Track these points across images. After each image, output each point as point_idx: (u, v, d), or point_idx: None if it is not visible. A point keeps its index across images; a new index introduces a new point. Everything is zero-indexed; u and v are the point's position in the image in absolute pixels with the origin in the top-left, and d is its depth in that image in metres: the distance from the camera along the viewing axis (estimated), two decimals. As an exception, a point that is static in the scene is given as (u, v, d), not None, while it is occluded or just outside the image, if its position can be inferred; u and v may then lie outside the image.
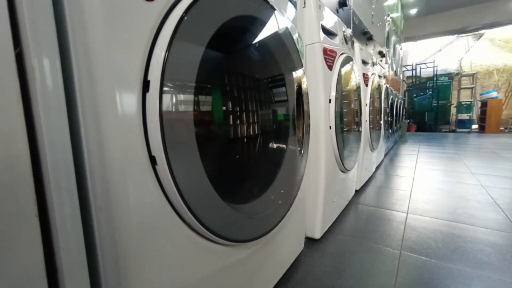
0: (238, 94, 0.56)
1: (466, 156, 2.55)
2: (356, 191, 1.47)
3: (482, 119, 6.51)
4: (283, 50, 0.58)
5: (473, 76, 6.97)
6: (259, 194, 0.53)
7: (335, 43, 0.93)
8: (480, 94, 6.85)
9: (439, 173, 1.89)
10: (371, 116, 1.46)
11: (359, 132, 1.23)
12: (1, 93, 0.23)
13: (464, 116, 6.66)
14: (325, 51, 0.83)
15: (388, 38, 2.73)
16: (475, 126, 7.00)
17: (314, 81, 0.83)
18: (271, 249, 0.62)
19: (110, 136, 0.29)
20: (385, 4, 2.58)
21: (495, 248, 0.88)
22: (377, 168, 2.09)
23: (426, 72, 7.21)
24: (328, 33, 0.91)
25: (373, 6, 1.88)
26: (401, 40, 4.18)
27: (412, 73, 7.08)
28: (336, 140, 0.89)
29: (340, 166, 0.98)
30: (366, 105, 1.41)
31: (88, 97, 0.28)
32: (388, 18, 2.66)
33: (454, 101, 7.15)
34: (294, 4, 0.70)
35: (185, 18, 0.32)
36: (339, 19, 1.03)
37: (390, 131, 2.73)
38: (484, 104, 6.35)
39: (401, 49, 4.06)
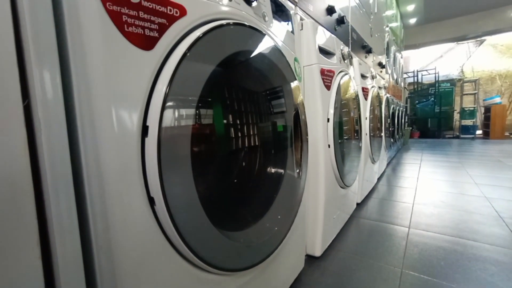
0: (235, 131, 0.58)
1: (470, 165, 2.53)
2: (357, 204, 1.46)
3: (486, 124, 6.46)
4: (281, 78, 0.60)
5: (475, 82, 6.95)
6: (257, 221, 0.53)
7: (333, 63, 0.95)
8: (483, 100, 6.82)
9: (442, 184, 1.88)
10: (371, 129, 1.46)
11: (359, 146, 1.24)
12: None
13: (468, 122, 6.61)
14: (322, 72, 0.85)
15: (387, 48, 2.75)
16: (479, 132, 6.94)
17: (313, 101, 0.84)
18: (271, 272, 0.62)
19: (111, 179, 0.30)
20: (384, 15, 2.62)
21: (499, 266, 0.86)
22: (379, 179, 2.08)
23: (428, 78, 7.21)
24: (326, 52, 0.93)
25: (372, 18, 1.91)
26: (401, 49, 4.21)
27: (414, 79, 7.09)
28: (335, 158, 0.90)
29: (340, 183, 0.99)
30: (366, 118, 1.42)
31: (90, 142, 0.30)
32: (387, 29, 2.69)
33: (457, 107, 7.11)
34: (292, 29, 0.72)
35: (181, 65, 0.33)
36: (337, 38, 1.05)
37: (392, 140, 2.73)
38: (487, 109, 6.31)
39: (401, 57, 4.08)
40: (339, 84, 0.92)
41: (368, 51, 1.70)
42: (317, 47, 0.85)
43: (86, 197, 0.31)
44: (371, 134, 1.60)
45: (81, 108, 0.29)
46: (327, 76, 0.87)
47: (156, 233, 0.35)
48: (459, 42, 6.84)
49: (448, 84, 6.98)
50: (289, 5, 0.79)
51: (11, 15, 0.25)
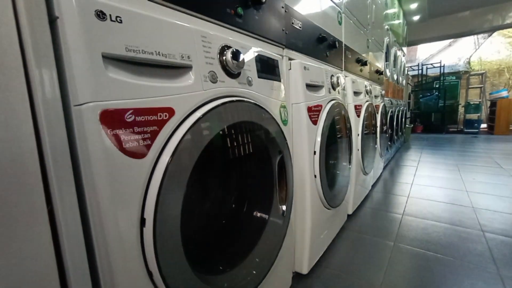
0: (223, 190, 0.65)
1: (465, 169, 2.56)
2: (348, 215, 1.54)
3: (491, 119, 6.37)
4: (266, 133, 0.67)
5: (482, 75, 6.80)
6: (240, 262, 0.62)
7: (321, 95, 1.00)
8: (490, 94, 6.69)
9: (434, 192, 1.94)
10: (363, 144, 1.52)
11: (349, 167, 1.30)
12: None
13: (473, 116, 6.50)
14: (309, 109, 0.91)
15: (387, 51, 2.74)
16: (484, 126, 6.85)
17: (300, 136, 0.91)
18: (257, 299, 0.72)
19: (119, 260, 0.39)
20: (384, 13, 2.59)
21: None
22: (374, 185, 2.15)
23: (433, 70, 7.07)
24: (314, 86, 0.98)
25: (369, 28, 1.91)
26: (404, 44, 4.14)
27: (418, 73, 6.95)
28: (322, 187, 0.97)
29: (327, 206, 1.07)
30: (358, 135, 1.47)
31: (99, 232, 0.38)
32: (388, 31, 2.67)
33: (462, 101, 7.00)
34: (279, 79, 0.77)
35: (169, 167, 0.41)
36: (327, 67, 1.09)
37: (389, 143, 2.77)
38: (493, 103, 6.20)
39: (404, 55, 4.02)
40: (326, 116, 0.98)
41: (364, 63, 1.73)
42: (304, 85, 0.90)
43: (98, 268, 0.40)
44: (363, 148, 1.66)
45: (92, 213, 0.37)
46: (314, 112, 0.93)
47: (154, 295, 0.44)
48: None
49: (454, 78, 6.85)
50: (277, 51, 0.84)
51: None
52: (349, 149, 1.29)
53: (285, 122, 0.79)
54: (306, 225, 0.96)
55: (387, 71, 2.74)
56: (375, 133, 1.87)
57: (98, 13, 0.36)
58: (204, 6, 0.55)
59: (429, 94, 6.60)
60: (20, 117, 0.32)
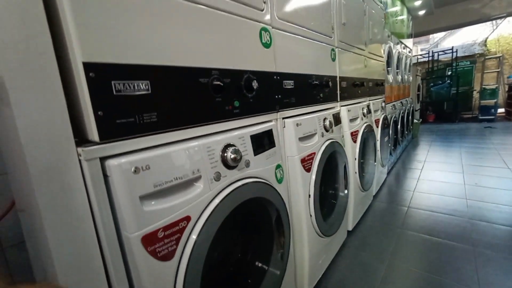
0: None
1: (470, 171, 2.59)
2: (348, 231, 1.68)
3: (509, 104, 6.13)
4: (263, 200, 0.82)
5: (499, 58, 6.47)
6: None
7: (314, 142, 1.12)
8: (508, 77, 6.39)
9: (433, 201, 2.02)
10: (360, 168, 1.63)
11: (346, 192, 1.43)
12: None
13: (489, 103, 6.23)
14: (302, 160, 1.04)
15: (389, 57, 2.74)
16: (501, 110, 6.59)
17: (295, 183, 1.05)
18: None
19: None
20: (386, 12, 2.57)
21: None
22: (375, 196, 2.25)
23: (446, 55, 6.78)
24: (308, 136, 1.11)
25: (367, 45, 1.96)
26: (409, 37, 4.05)
27: (429, 59, 6.69)
28: (317, 223, 1.12)
29: (324, 236, 1.21)
30: (356, 159, 1.58)
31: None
32: (390, 37, 2.67)
33: (477, 86, 6.72)
34: (273, 143, 0.91)
35: (189, 264, 0.57)
36: (319, 114, 1.21)
37: (393, 148, 2.83)
38: (511, 88, 5.95)
39: (410, 51, 3.95)
40: (319, 162, 1.11)
41: (361, 84, 1.81)
42: (297, 140, 1.03)
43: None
44: (363, 167, 1.77)
45: (140, 301, 0.55)
46: (307, 162, 1.06)
47: None
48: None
49: (468, 62, 6.55)
50: (272, 116, 0.97)
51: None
52: (345, 177, 1.42)
53: (280, 181, 0.93)
54: (305, 256, 1.12)
55: (390, 76, 2.76)
56: (375, 149, 1.96)
57: (134, 169, 0.51)
58: (206, 116, 0.70)
59: (440, 82, 6.40)
60: (92, 251, 0.49)
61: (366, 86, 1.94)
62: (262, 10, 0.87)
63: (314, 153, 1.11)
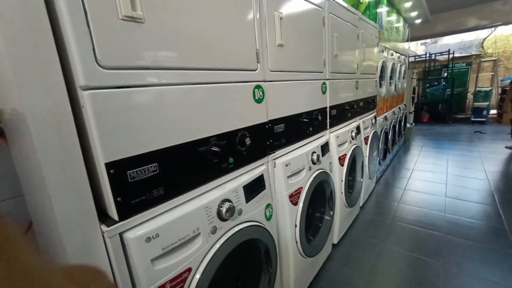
0: None
1: (453, 182, 2.75)
2: (333, 244, 1.84)
3: (501, 106, 6.26)
4: (255, 239, 0.95)
5: (495, 61, 6.53)
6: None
7: (301, 177, 1.25)
8: (501, 80, 6.49)
9: (415, 214, 2.18)
10: (346, 189, 1.77)
11: (332, 214, 1.58)
12: None
13: (482, 105, 6.37)
14: (290, 195, 1.17)
15: (383, 70, 2.82)
16: (494, 112, 6.74)
17: (283, 215, 1.18)
18: None
19: None
20: (383, 27, 2.62)
21: None
22: (362, 207, 2.40)
23: (443, 56, 6.83)
24: (296, 173, 1.23)
25: (359, 67, 2.04)
26: (406, 40, 4.10)
27: (425, 59, 6.74)
28: (302, 248, 1.26)
29: (307, 257, 1.36)
30: (342, 180, 1.72)
31: None
32: (383, 52, 2.74)
33: (472, 87, 6.82)
34: (264, 186, 1.03)
35: (192, 308, 0.71)
36: (307, 148, 1.32)
37: (383, 158, 2.96)
38: (504, 91, 6.07)
39: (406, 58, 4.01)
40: (305, 195, 1.24)
41: (352, 107, 1.91)
42: (286, 178, 1.15)
43: None
44: (349, 185, 1.91)
45: None
46: (294, 197, 1.19)
47: None
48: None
49: (464, 64, 6.63)
50: (263, 160, 1.08)
51: None
52: (331, 202, 1.55)
53: (269, 218, 1.06)
54: (290, 276, 1.27)
55: (383, 89, 2.85)
56: (362, 167, 2.09)
57: (146, 239, 0.63)
58: (205, 178, 0.81)
59: (436, 83, 6.49)
60: (114, 305, 0.62)
61: (357, 107, 2.04)
62: (256, 70, 0.97)
63: (302, 187, 1.24)
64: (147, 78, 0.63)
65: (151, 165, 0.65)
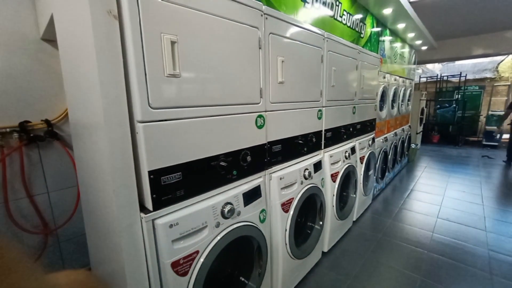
0: None
1: (448, 211, 2.86)
2: (323, 252, 2.04)
3: (513, 130, 6.19)
4: (249, 237, 1.20)
5: (509, 86, 6.50)
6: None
7: (293, 190, 1.49)
8: (515, 105, 6.42)
9: (406, 233, 2.34)
10: (337, 204, 1.98)
11: (321, 224, 1.79)
12: None
13: (494, 129, 6.33)
14: (282, 204, 1.41)
15: (383, 96, 3.02)
16: (506, 136, 6.64)
17: (275, 221, 1.42)
18: (242, 322, 1.28)
19: (175, 316, 0.96)
20: (385, 55, 2.82)
21: None
22: (356, 221, 2.58)
23: (455, 77, 6.87)
24: (288, 185, 1.47)
25: (357, 94, 2.27)
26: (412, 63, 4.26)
27: (437, 85, 6.82)
28: (291, 251, 1.49)
29: (295, 259, 1.58)
30: (334, 195, 1.93)
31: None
32: (385, 78, 2.94)
33: (485, 109, 6.79)
34: (260, 194, 1.28)
35: (197, 277, 0.96)
36: (301, 165, 1.56)
37: (380, 177, 3.12)
38: (516, 116, 6.02)
39: (411, 82, 4.17)
40: (296, 205, 1.48)
41: (347, 129, 2.13)
42: (279, 189, 1.40)
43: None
44: (341, 199, 2.11)
45: (167, 300, 0.94)
46: (286, 205, 1.43)
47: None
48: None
49: (477, 87, 6.63)
50: (261, 174, 1.33)
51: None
52: (320, 213, 1.77)
53: (263, 221, 1.31)
54: (279, 273, 1.50)
55: (383, 112, 3.04)
56: (355, 184, 2.29)
57: (169, 225, 0.90)
58: (214, 185, 1.07)
59: (447, 105, 6.53)
60: (142, 269, 0.89)
61: (353, 130, 2.26)
62: (259, 103, 1.24)
63: (293, 198, 1.48)
64: (179, 114, 0.91)
65: (176, 173, 0.93)
